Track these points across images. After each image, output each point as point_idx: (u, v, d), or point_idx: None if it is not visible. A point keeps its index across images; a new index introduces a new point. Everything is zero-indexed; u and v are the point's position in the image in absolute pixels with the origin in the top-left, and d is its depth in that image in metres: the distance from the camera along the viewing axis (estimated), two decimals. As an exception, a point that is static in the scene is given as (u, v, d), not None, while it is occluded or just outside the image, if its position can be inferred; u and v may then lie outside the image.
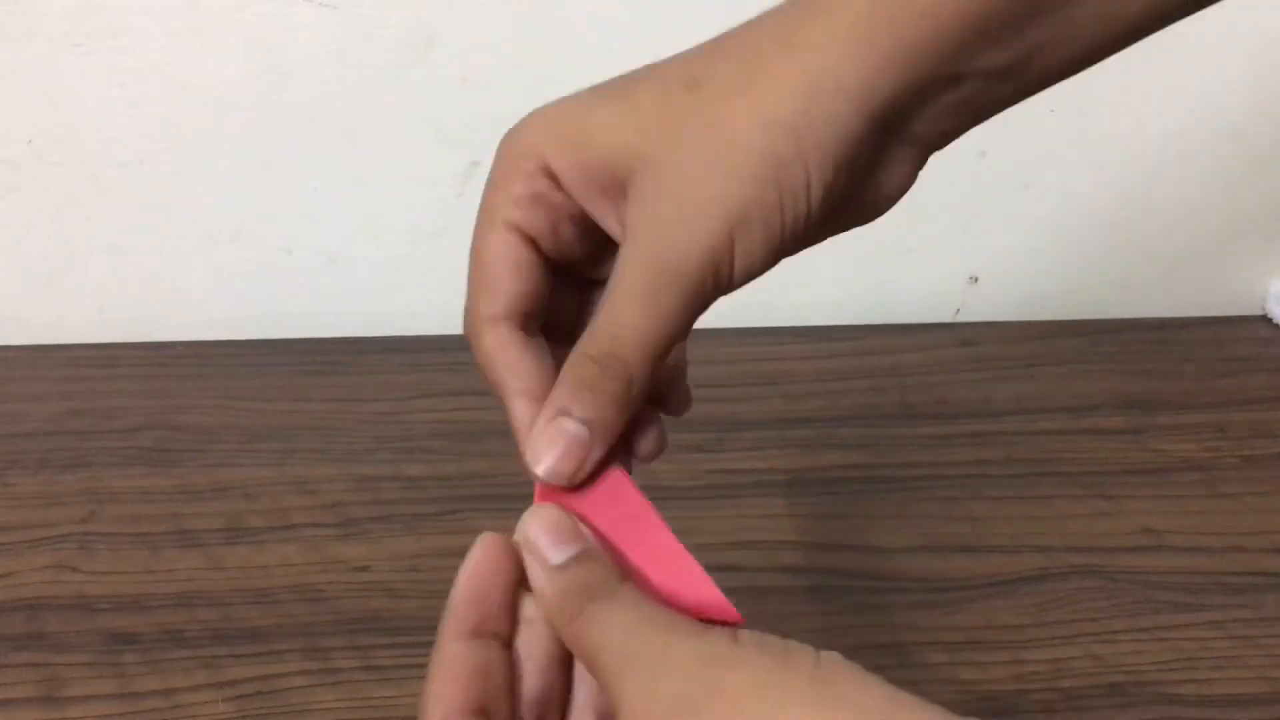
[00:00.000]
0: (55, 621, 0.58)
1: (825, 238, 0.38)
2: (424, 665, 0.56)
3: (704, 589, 0.33)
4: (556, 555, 0.32)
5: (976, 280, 0.88)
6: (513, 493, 0.67)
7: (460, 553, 0.64)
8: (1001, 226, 0.86)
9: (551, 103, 0.36)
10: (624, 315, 0.33)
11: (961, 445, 0.72)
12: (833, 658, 0.29)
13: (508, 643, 0.33)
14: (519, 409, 0.35)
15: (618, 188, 0.35)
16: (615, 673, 0.30)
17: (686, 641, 0.30)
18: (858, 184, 0.36)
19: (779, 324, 0.84)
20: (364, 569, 0.62)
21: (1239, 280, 0.90)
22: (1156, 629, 0.59)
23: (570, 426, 0.33)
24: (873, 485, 0.69)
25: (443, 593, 0.61)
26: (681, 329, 0.34)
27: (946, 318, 0.89)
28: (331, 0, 0.74)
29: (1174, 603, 0.61)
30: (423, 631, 0.58)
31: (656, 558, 0.34)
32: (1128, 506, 0.68)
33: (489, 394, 0.82)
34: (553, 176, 0.35)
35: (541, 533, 0.32)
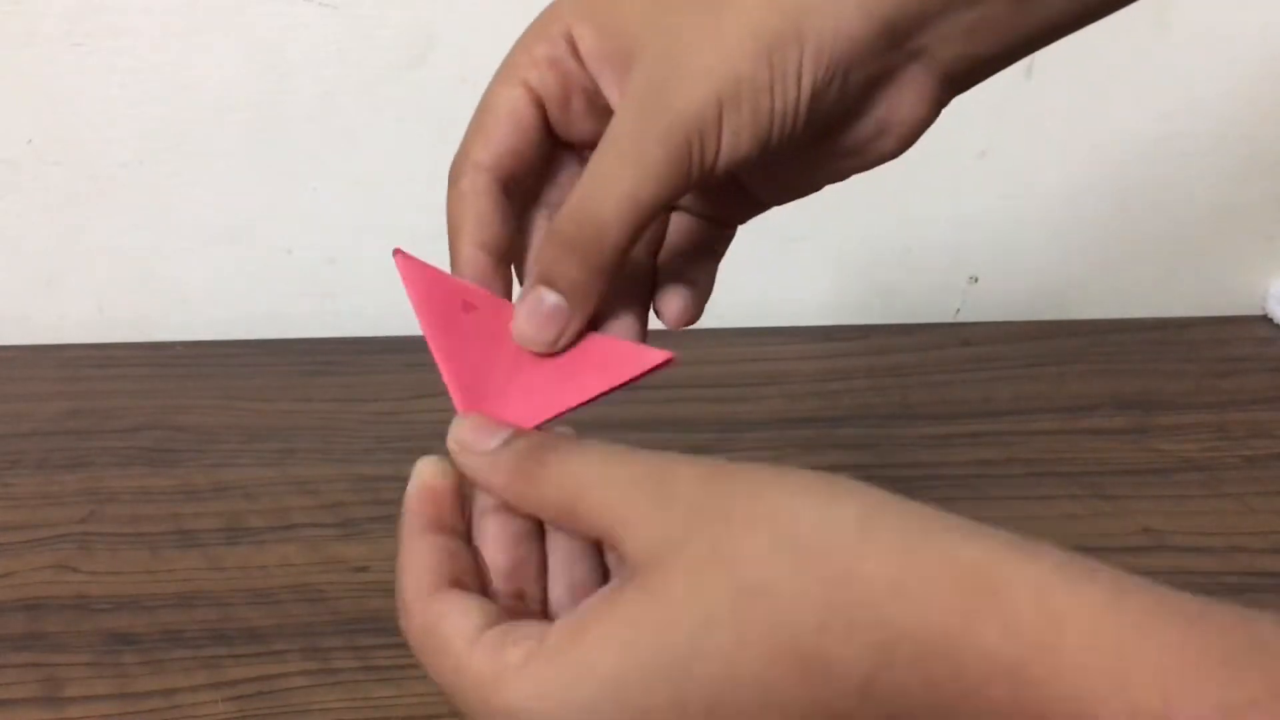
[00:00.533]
0: (55, 621, 0.58)
1: (845, 170, 0.38)
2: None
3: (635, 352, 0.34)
4: (490, 440, 0.32)
5: (977, 280, 0.88)
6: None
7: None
8: (1001, 226, 0.86)
9: None
10: (607, 172, 0.33)
11: (962, 445, 0.72)
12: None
13: (466, 538, 0.34)
14: (467, 255, 0.35)
15: (626, 61, 0.34)
16: (607, 508, 0.30)
17: (681, 465, 0.30)
18: (866, 100, 0.35)
19: (779, 324, 0.84)
20: (364, 569, 0.62)
21: (1239, 280, 0.90)
22: (1157, 629, 0.59)
23: (550, 299, 0.33)
24: (873, 485, 0.69)
25: (443, 593, 0.61)
26: (662, 196, 0.33)
27: (946, 318, 0.89)
28: (331, 0, 0.74)
29: (1174, 603, 0.61)
30: (423, 631, 0.58)
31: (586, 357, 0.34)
32: (1128, 507, 0.67)
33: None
34: (573, 44, 0.35)
35: (468, 431, 0.33)
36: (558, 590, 0.34)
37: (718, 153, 0.33)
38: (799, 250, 0.82)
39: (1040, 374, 0.80)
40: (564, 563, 0.34)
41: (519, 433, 0.33)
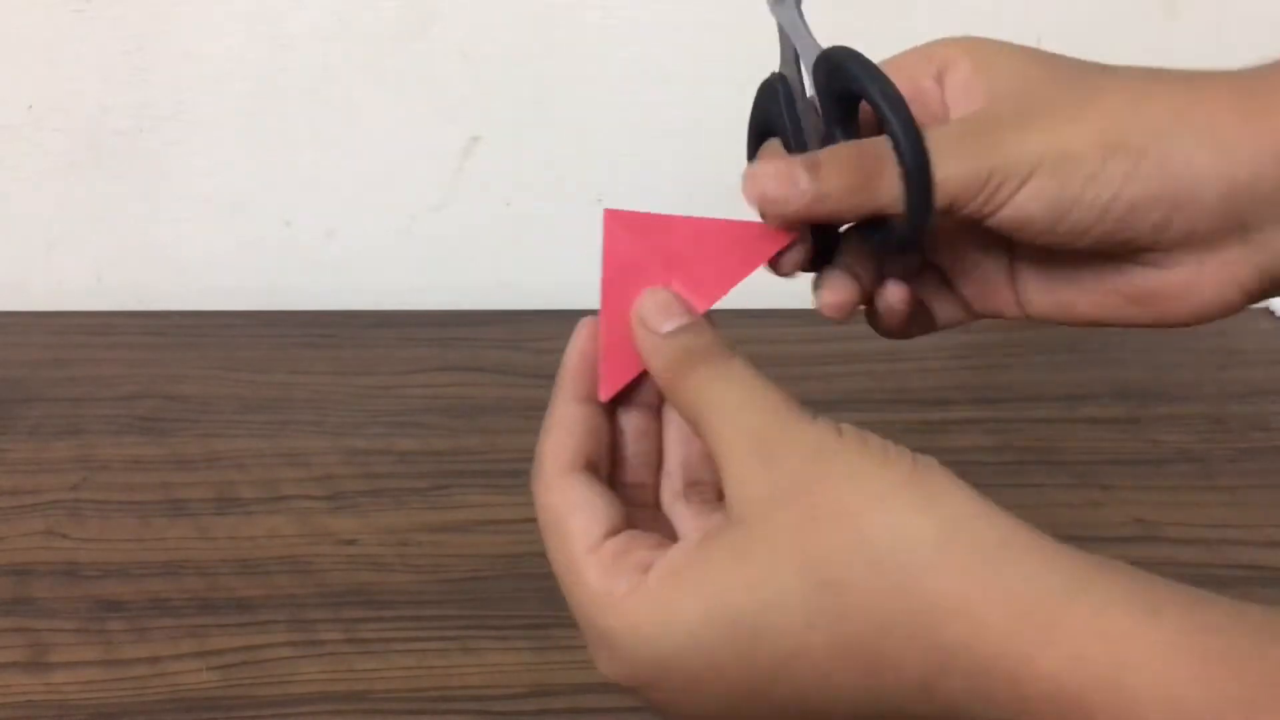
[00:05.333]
0: (43, 587, 0.59)
1: (1123, 313, 0.39)
2: (409, 639, 0.56)
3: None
4: (666, 324, 0.35)
5: (977, 266, 0.88)
6: (504, 469, 0.67)
7: (449, 528, 0.64)
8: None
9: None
10: (938, 148, 0.35)
11: (956, 431, 0.72)
12: (929, 461, 0.31)
13: (611, 412, 0.36)
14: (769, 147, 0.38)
15: (979, 97, 0.37)
16: (724, 443, 0.32)
17: (795, 429, 0.32)
18: (1177, 251, 0.36)
19: (777, 306, 0.84)
20: (352, 542, 0.62)
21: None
22: (1145, 620, 0.59)
23: (804, 177, 0.35)
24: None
25: (431, 568, 0.61)
26: (961, 198, 0.35)
27: (947, 303, 0.89)
28: (333, -29, 0.74)
29: (1164, 594, 0.61)
30: (409, 606, 0.58)
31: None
32: (1121, 496, 0.67)
33: (483, 370, 0.82)
34: (943, 69, 0.38)
35: (653, 308, 0.35)
36: (671, 464, 0.37)
37: (1006, 201, 0.35)
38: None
39: (1038, 362, 0.79)
40: (678, 441, 0.37)
41: (689, 326, 0.35)
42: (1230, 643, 0.27)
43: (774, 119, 0.39)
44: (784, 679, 0.30)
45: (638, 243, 0.37)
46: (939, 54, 0.38)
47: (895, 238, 0.36)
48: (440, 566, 0.60)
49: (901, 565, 0.29)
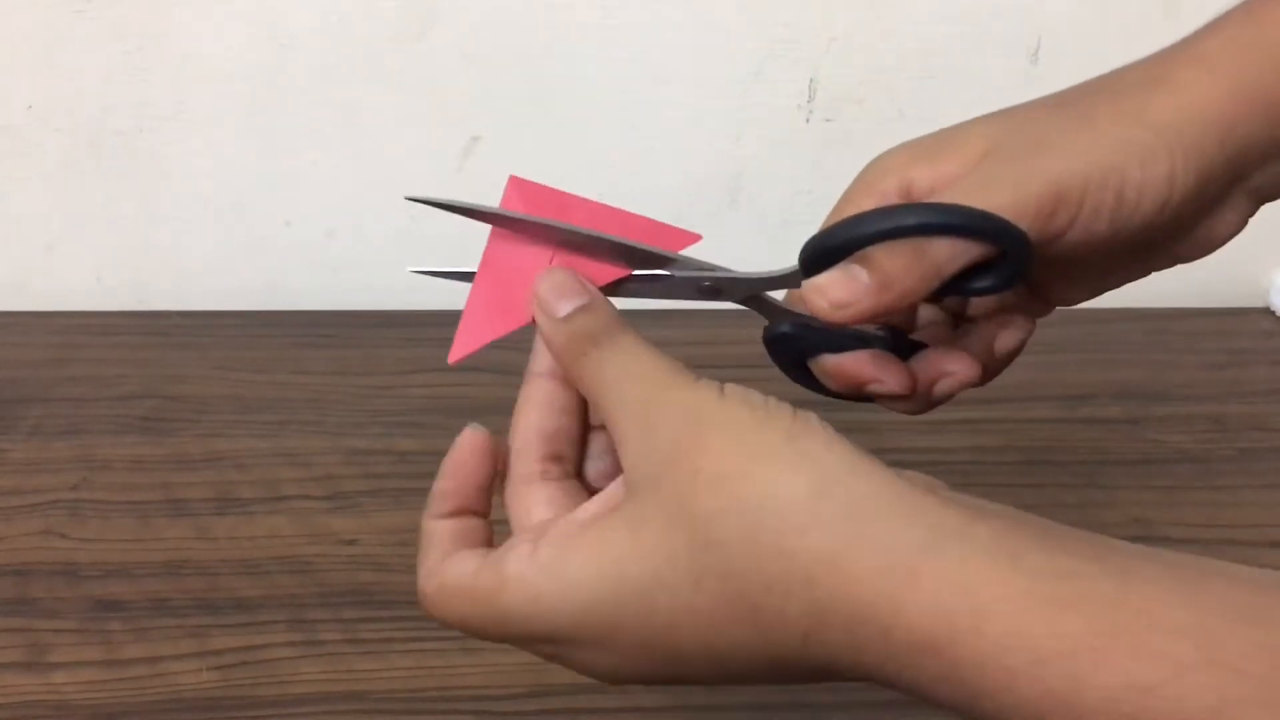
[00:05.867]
0: (43, 587, 0.59)
1: (1142, 274, 0.42)
2: (409, 639, 0.57)
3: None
4: (562, 307, 0.35)
5: (978, 267, 0.88)
6: (504, 469, 0.67)
7: (449, 528, 0.64)
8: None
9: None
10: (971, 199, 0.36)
11: (956, 432, 0.72)
12: (808, 417, 0.32)
13: (485, 516, 0.37)
14: None
15: (973, 170, 0.38)
16: (613, 417, 0.34)
17: (676, 395, 0.33)
18: (1198, 216, 0.39)
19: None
20: (352, 542, 0.62)
21: (1243, 272, 0.89)
22: (1145, 620, 0.59)
23: (862, 276, 0.36)
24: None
25: (430, 568, 0.61)
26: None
27: (947, 304, 0.89)
28: (333, -29, 0.74)
29: (1164, 594, 0.61)
30: (409, 606, 0.58)
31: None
32: (1120, 497, 0.67)
33: (485, 370, 0.83)
34: (908, 189, 0.39)
35: (549, 290, 0.36)
36: (596, 447, 0.38)
37: (1073, 221, 0.36)
38: (798, 234, 0.82)
39: (1039, 362, 0.79)
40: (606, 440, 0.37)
41: (584, 307, 0.35)
42: (1084, 586, 0.28)
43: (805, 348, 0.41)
44: (681, 635, 0.32)
45: (532, 212, 0.37)
46: (892, 182, 0.39)
47: (1004, 276, 0.37)
48: (440, 566, 0.60)
49: (776, 527, 0.30)
